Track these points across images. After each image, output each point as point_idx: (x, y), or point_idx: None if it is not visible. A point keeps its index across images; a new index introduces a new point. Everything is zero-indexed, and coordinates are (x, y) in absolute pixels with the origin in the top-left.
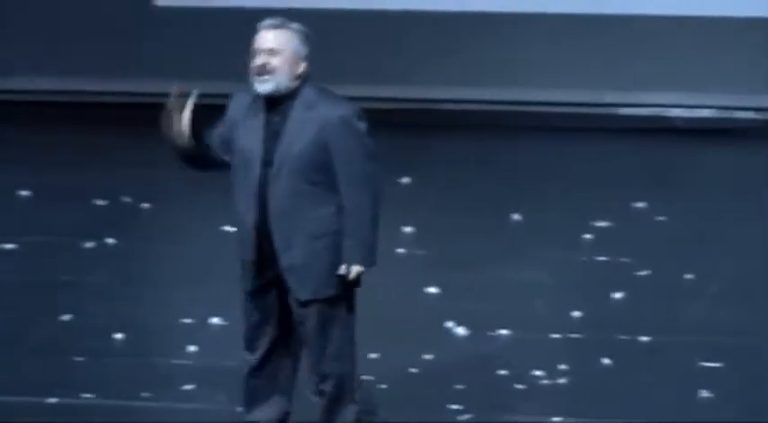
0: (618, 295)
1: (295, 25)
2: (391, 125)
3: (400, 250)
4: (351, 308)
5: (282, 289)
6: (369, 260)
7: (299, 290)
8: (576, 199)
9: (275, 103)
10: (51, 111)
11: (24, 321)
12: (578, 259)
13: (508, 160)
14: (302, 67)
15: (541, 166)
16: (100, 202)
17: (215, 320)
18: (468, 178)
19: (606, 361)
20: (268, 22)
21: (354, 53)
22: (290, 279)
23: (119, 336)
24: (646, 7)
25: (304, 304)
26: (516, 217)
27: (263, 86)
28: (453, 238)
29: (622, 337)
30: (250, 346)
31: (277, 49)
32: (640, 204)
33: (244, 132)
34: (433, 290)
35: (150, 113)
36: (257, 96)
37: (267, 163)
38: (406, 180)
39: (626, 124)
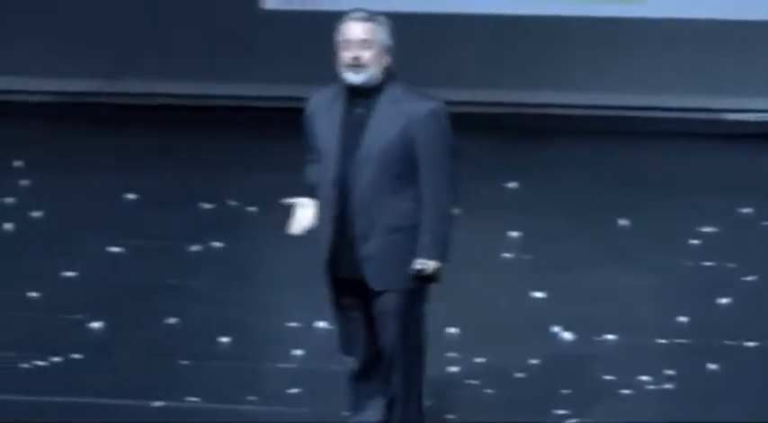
0: (724, 300)
1: (382, 18)
2: (498, 129)
3: (506, 255)
4: (423, 304)
5: (365, 290)
6: (443, 256)
7: (375, 280)
8: (683, 204)
9: (359, 95)
10: (158, 114)
11: (130, 324)
12: (685, 264)
13: (615, 165)
14: (389, 59)
15: (648, 170)
16: (206, 206)
17: (320, 324)
18: (575, 183)
19: (712, 366)
20: (357, 14)
21: (464, 58)
22: (367, 269)
23: (224, 339)
24: (756, 13)
25: (379, 294)
26: (623, 222)
27: (356, 77)
28: (560, 243)
29: (728, 342)
30: (347, 350)
31: (368, 42)
32: (747, 210)
33: (322, 124)
34: (539, 294)
35: (257, 117)
36: (339, 90)
37: (346, 154)
38: (512, 185)
39: (733, 130)
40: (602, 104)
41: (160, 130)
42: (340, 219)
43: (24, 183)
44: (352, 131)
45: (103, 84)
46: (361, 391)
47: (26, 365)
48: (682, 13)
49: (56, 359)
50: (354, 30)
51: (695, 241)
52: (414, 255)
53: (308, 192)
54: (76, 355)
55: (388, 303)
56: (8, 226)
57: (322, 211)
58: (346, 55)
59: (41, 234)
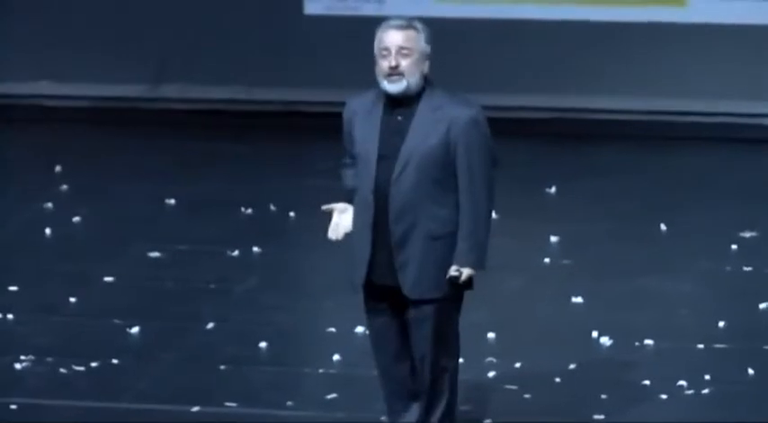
0: (764, 305)
1: (419, 25)
2: (539, 135)
3: (546, 260)
4: (458, 310)
5: (399, 295)
6: (480, 263)
7: (411, 289)
8: (723, 209)
9: (399, 102)
10: (199, 120)
11: (169, 329)
12: (724, 269)
13: (656, 170)
14: (427, 66)
15: (688, 175)
16: (247, 211)
17: (360, 330)
18: (615, 188)
19: (751, 371)
20: (396, 22)
21: (505, 63)
22: (403, 276)
23: (263, 344)
24: None
25: (414, 303)
26: (663, 227)
27: (395, 87)
28: (599, 248)
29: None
30: (380, 354)
31: (407, 50)
32: None
33: (361, 129)
34: (578, 300)
35: (298, 122)
36: (377, 95)
37: (385, 160)
38: (552, 190)
39: None
40: (643, 109)
41: (201, 135)
42: (377, 224)
43: (65, 188)
44: (392, 138)
45: (145, 89)
46: (395, 396)
47: (65, 370)
48: (722, 17)
49: (95, 364)
50: (394, 37)
51: (735, 246)
52: (450, 262)
53: (346, 196)
54: (116, 361)
55: (423, 311)
56: (48, 231)
57: (359, 216)
58: (384, 64)
59: (81, 239)
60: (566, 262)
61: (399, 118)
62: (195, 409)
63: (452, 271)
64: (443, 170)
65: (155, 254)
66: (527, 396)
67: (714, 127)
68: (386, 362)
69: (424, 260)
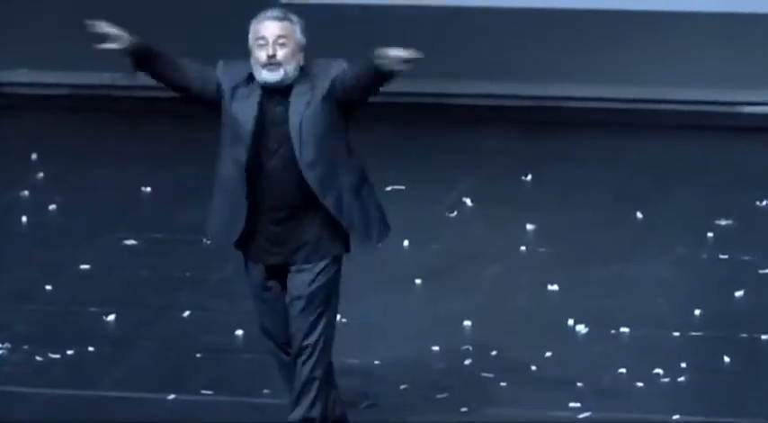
0: (739, 293)
1: (295, 17)
2: (514, 122)
3: (522, 248)
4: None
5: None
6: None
7: (367, 238)
8: (699, 197)
9: (275, 92)
10: (174, 107)
11: (145, 318)
12: (700, 257)
13: (632, 158)
14: (302, 58)
15: (665, 163)
16: None
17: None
18: (591, 176)
19: (727, 359)
20: (272, 12)
21: (482, 50)
22: (356, 231)
23: (240, 332)
24: None
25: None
26: (639, 215)
27: (273, 76)
28: (575, 236)
29: (744, 335)
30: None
31: (284, 39)
32: (764, 202)
33: (237, 110)
34: (554, 288)
35: None
36: (252, 80)
37: (263, 148)
38: (528, 177)
39: (751, 123)
40: (619, 97)
41: (177, 122)
42: (251, 212)
43: (40, 176)
44: (274, 129)
45: (119, 77)
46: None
47: (41, 358)
48: (701, 5)
49: (71, 352)
50: (270, 27)
51: (711, 234)
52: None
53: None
54: (92, 349)
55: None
56: (24, 219)
57: (223, 196)
58: (262, 53)
59: (57, 227)
60: (542, 250)
61: (278, 109)
62: (171, 396)
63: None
64: (333, 126)
65: (131, 242)
66: (503, 384)
67: (691, 115)
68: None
69: (364, 211)
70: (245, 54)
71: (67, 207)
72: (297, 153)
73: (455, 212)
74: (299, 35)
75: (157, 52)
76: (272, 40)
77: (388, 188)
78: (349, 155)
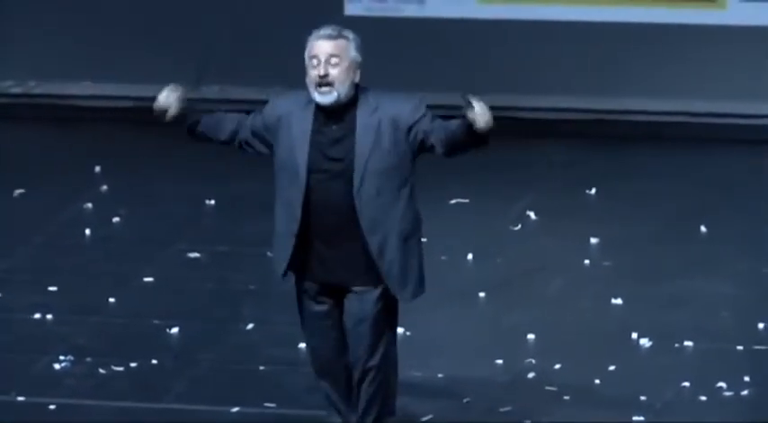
0: None
1: (350, 34)
2: (578, 136)
3: (586, 261)
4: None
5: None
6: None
7: (401, 293)
8: (762, 210)
9: (331, 112)
10: None
11: (209, 330)
12: (763, 271)
13: (696, 172)
14: (358, 75)
15: (727, 177)
16: None
17: (401, 330)
18: (655, 190)
19: None
20: (326, 31)
21: (546, 64)
22: (391, 282)
23: (303, 346)
24: None
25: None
26: (703, 228)
27: (325, 98)
28: (639, 250)
29: None
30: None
31: (337, 58)
32: None
33: (288, 137)
34: (618, 301)
35: None
36: (308, 101)
37: (318, 171)
38: (592, 191)
39: None
40: (682, 111)
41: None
42: (303, 237)
43: (104, 188)
44: (328, 149)
45: (186, 90)
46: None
47: (104, 371)
48: (762, 19)
49: (134, 364)
50: (323, 46)
51: None
52: (421, 257)
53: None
54: (155, 361)
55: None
56: (88, 231)
57: (281, 224)
58: (314, 73)
59: (121, 239)
60: (606, 263)
61: (334, 128)
62: (235, 409)
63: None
64: (401, 170)
65: (194, 254)
66: (566, 397)
67: (754, 129)
68: (328, 356)
69: (405, 263)
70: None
71: (131, 219)
72: (356, 183)
73: (519, 226)
74: (353, 53)
75: (198, 122)
76: (325, 60)
77: (452, 202)
78: (408, 201)
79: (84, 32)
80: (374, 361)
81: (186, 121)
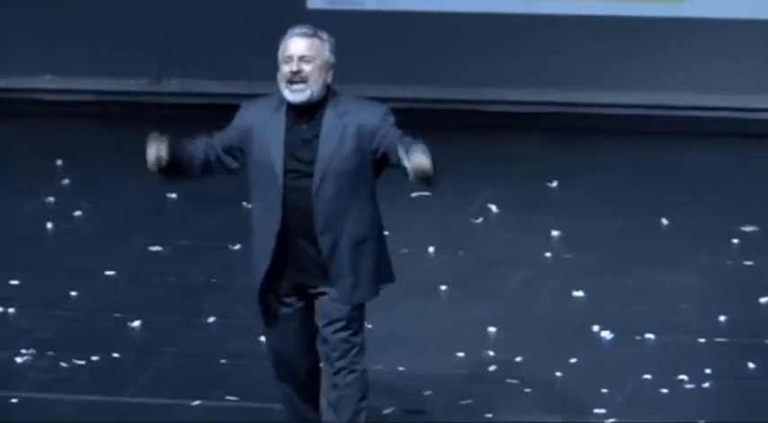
0: (764, 300)
1: (325, 35)
2: (540, 129)
3: (548, 254)
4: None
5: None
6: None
7: (350, 297)
8: (724, 203)
9: (302, 112)
10: (200, 114)
11: (170, 324)
12: (725, 264)
13: (657, 165)
14: (331, 76)
15: (690, 170)
16: (248, 205)
17: None
18: (617, 183)
19: (752, 365)
20: (300, 29)
21: (507, 57)
22: (339, 286)
23: (263, 339)
24: None
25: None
26: (664, 221)
27: (296, 96)
28: (600, 243)
29: None
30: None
31: (310, 57)
32: None
33: (262, 139)
34: (579, 294)
35: None
36: (279, 103)
37: (292, 171)
38: (554, 184)
39: None
40: (645, 104)
41: (203, 129)
42: (287, 235)
43: (65, 182)
44: (299, 150)
45: (147, 83)
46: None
47: (66, 364)
48: (724, 12)
49: (96, 358)
50: (297, 44)
51: (736, 241)
52: (379, 261)
53: (176, 145)
54: (117, 355)
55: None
56: (50, 225)
57: (260, 227)
58: (286, 69)
59: (83, 233)
60: (567, 256)
61: (304, 127)
62: (196, 403)
63: (413, 162)
64: (361, 174)
65: (156, 248)
66: (528, 390)
67: (716, 121)
68: (291, 359)
69: (356, 266)
70: (271, 60)
71: (93, 213)
72: (315, 183)
73: (480, 219)
74: (327, 53)
75: (181, 159)
76: (298, 57)
77: (414, 194)
78: (366, 204)
79: (45, 27)
80: (347, 360)
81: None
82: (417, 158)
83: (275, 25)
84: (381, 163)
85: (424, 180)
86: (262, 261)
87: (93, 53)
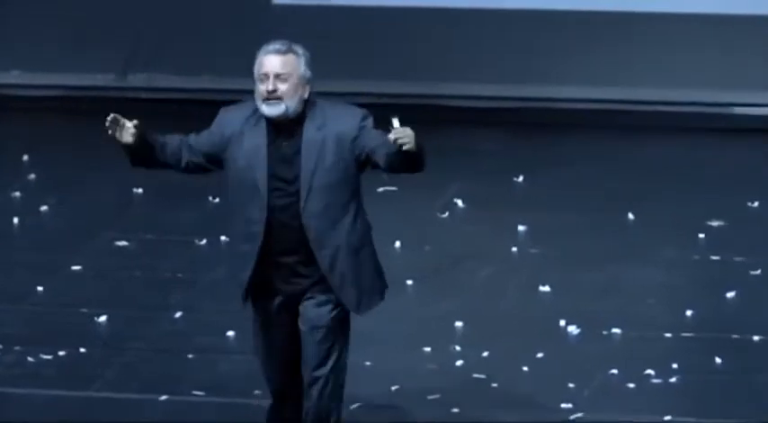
0: (731, 295)
1: (300, 49)
2: (505, 124)
3: (514, 249)
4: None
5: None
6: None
7: (357, 307)
8: (691, 198)
9: (281, 127)
10: (166, 109)
11: (137, 318)
12: (692, 259)
13: (623, 159)
14: (308, 91)
15: (656, 165)
16: (215, 200)
17: None
18: (583, 177)
19: (718, 360)
20: (275, 46)
21: (473, 52)
22: (345, 297)
23: (231, 333)
24: (766, 7)
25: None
26: (630, 216)
27: (273, 110)
28: (567, 237)
29: (735, 336)
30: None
31: (285, 75)
32: (755, 204)
33: (244, 155)
34: (546, 289)
35: None
36: (258, 118)
37: (275, 189)
38: (520, 179)
39: (740, 124)
40: (610, 99)
41: (169, 125)
42: (269, 252)
43: (32, 177)
44: (280, 166)
45: (112, 78)
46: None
47: (33, 359)
48: (690, 6)
49: (63, 353)
50: (272, 62)
51: (702, 235)
52: (376, 266)
53: (147, 134)
54: (83, 349)
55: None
56: (16, 220)
57: (241, 244)
58: (262, 88)
59: (49, 228)
60: (533, 251)
61: (284, 144)
62: (163, 397)
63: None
64: (346, 185)
65: (122, 243)
66: (495, 385)
67: (682, 116)
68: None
69: (357, 276)
70: (238, 55)
71: (59, 208)
72: (302, 200)
73: (447, 214)
74: (302, 68)
75: (154, 145)
76: (273, 76)
77: (380, 189)
78: (356, 214)
79: (12, 22)
80: (324, 370)
81: (130, 148)
82: (402, 130)
83: (241, 21)
84: (365, 165)
85: (412, 158)
86: (243, 273)
87: (60, 48)
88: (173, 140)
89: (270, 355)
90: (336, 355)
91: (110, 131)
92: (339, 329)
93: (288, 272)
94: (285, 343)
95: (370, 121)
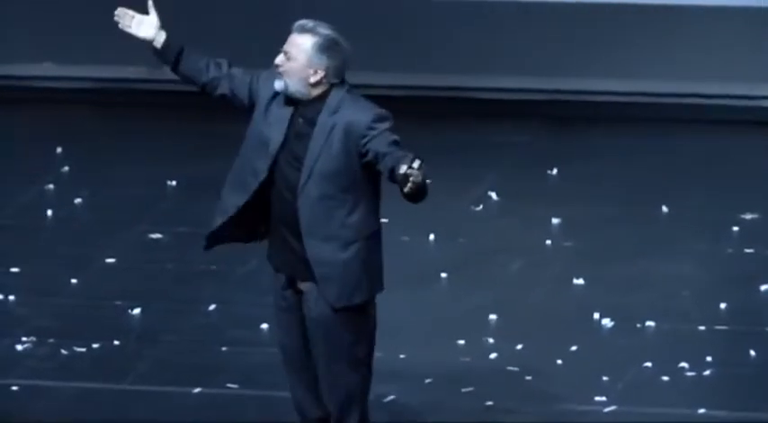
0: (765, 287)
1: (322, 32)
2: (540, 116)
3: (548, 242)
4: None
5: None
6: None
7: (337, 300)
8: (724, 191)
9: (302, 106)
10: (200, 101)
11: (171, 311)
12: (725, 251)
13: (657, 152)
14: (319, 76)
15: (689, 158)
16: None
17: None
18: (616, 170)
19: (752, 353)
20: (298, 23)
21: (507, 44)
22: (326, 288)
23: (264, 326)
24: None
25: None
26: (664, 209)
27: (276, 83)
28: (601, 230)
29: None
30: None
31: (291, 55)
32: None
33: (268, 116)
34: (580, 282)
35: None
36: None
37: (282, 159)
38: (554, 172)
39: None
40: (645, 91)
41: (202, 116)
42: (250, 211)
43: (65, 169)
44: (294, 141)
45: (146, 70)
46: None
47: (66, 352)
48: (725, 0)
49: (96, 346)
50: (289, 38)
51: (736, 228)
52: (368, 263)
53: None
54: (117, 342)
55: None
56: (50, 212)
57: (230, 192)
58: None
59: (83, 221)
60: (567, 244)
61: (301, 121)
62: (197, 390)
63: (402, 170)
64: (349, 178)
65: (156, 235)
66: (528, 378)
67: (715, 109)
68: (292, 351)
69: (341, 270)
70: (270, 47)
71: (93, 201)
72: (301, 180)
73: (480, 207)
74: (313, 53)
75: (187, 53)
76: (284, 50)
77: None
78: (354, 208)
79: (44, 14)
80: (323, 370)
81: (167, 54)
82: (416, 174)
83: (275, 14)
84: (369, 166)
85: (406, 197)
86: (218, 217)
87: (93, 40)
88: (202, 57)
89: (284, 352)
90: (347, 351)
91: (121, 27)
92: (349, 323)
93: (286, 251)
94: (294, 341)
95: (384, 125)
